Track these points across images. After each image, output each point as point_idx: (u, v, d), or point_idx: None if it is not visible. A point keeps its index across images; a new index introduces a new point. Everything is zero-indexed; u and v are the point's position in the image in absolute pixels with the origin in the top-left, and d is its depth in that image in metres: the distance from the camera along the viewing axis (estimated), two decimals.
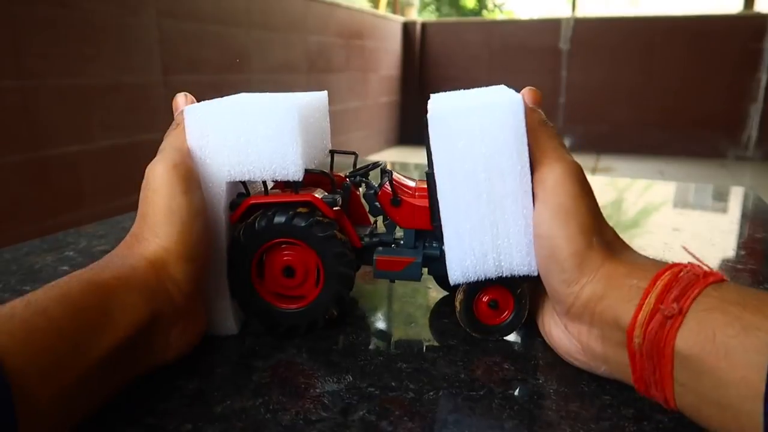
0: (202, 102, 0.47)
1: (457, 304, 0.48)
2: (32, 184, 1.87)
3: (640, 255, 0.42)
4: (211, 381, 0.42)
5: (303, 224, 0.46)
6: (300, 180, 0.47)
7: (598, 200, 0.43)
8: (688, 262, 0.37)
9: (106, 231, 0.79)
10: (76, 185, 2.02)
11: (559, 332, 0.43)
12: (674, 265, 0.37)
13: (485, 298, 0.48)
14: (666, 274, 0.36)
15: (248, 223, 0.47)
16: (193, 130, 0.46)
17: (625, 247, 0.43)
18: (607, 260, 0.40)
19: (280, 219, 0.46)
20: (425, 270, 0.51)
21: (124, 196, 2.08)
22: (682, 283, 0.35)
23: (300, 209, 0.47)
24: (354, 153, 0.58)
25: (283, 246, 0.48)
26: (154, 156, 0.45)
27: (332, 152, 0.56)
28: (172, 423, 0.37)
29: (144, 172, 0.45)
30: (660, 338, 0.33)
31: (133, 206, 0.48)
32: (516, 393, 0.41)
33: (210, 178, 0.46)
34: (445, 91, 0.55)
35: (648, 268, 0.38)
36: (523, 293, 0.48)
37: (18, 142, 1.81)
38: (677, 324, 0.33)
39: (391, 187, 0.49)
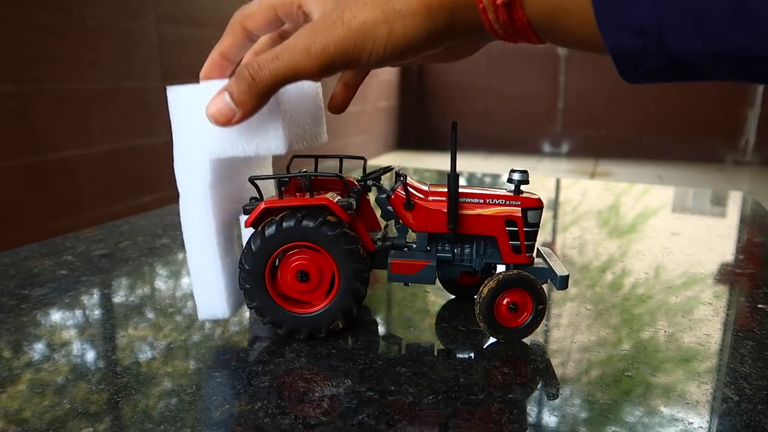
0: (185, 85, 0.47)
1: (485, 290, 0.48)
2: (31, 188, 1.87)
3: None
4: (209, 385, 0.42)
5: (330, 233, 0.47)
6: (282, 153, 0.46)
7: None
8: None
9: (104, 235, 0.79)
10: (75, 190, 2.01)
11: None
12: None
13: (505, 300, 0.48)
14: None
15: (276, 220, 0.47)
16: (177, 111, 0.46)
17: None
18: None
19: (308, 223, 0.47)
20: None
21: (123, 201, 2.07)
22: None
23: (329, 218, 0.47)
24: (363, 158, 0.58)
25: (303, 250, 0.49)
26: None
27: (341, 157, 0.57)
28: (171, 428, 0.37)
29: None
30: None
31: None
32: (515, 397, 0.41)
33: (194, 157, 0.46)
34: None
35: None
36: (543, 299, 0.48)
37: (17, 146, 1.81)
38: None
39: (405, 191, 0.49)
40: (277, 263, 0.49)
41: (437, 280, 0.52)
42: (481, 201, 0.50)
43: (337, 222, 0.47)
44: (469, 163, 4.35)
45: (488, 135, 5.10)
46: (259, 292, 0.48)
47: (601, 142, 5.04)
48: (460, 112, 5.05)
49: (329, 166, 0.57)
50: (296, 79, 0.39)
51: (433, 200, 0.50)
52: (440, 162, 4.13)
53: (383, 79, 4.92)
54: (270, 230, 0.47)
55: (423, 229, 0.50)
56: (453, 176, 0.47)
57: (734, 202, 1.16)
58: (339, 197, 0.49)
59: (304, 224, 0.46)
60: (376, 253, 0.51)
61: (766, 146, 4.66)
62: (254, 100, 0.39)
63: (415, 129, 5.24)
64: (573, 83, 5.03)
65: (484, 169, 4.18)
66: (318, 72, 0.38)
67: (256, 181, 0.49)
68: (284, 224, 0.47)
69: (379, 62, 0.38)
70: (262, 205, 0.47)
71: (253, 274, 0.48)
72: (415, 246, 0.51)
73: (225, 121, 0.40)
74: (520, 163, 4.38)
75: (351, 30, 0.36)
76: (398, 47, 0.36)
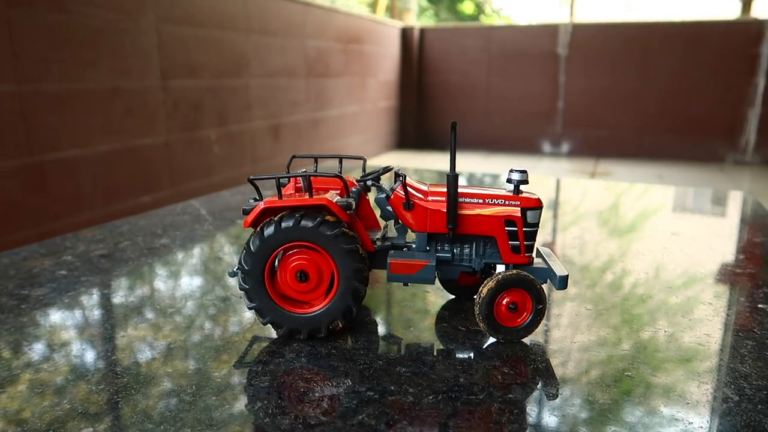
0: None
1: (484, 290, 0.48)
2: (30, 188, 1.86)
3: None
4: (209, 386, 0.42)
5: (329, 233, 0.47)
6: None
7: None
8: None
9: (104, 235, 0.79)
10: (75, 190, 2.01)
11: None
12: None
13: (505, 300, 0.48)
14: None
15: (274, 221, 0.47)
16: None
17: None
18: None
19: (306, 223, 0.47)
20: None
21: (123, 201, 2.07)
22: None
23: (328, 217, 0.47)
24: (362, 158, 0.58)
25: (302, 250, 0.49)
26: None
27: (340, 157, 0.57)
28: (171, 428, 0.37)
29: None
30: None
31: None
32: (515, 397, 0.41)
33: None
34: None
35: None
36: (542, 299, 0.48)
37: (16, 146, 1.81)
38: None
39: (404, 191, 0.49)
40: (276, 263, 0.49)
41: (437, 280, 0.52)
42: (481, 201, 0.50)
43: (336, 222, 0.47)
44: (469, 163, 4.35)
45: (488, 135, 5.09)
46: (258, 293, 0.48)
47: (601, 142, 5.04)
48: (460, 112, 5.05)
49: (329, 166, 0.57)
50: None
51: (433, 200, 0.50)
52: (440, 162, 4.13)
53: (383, 79, 4.92)
54: (269, 230, 0.47)
55: (422, 229, 0.50)
56: (452, 176, 0.47)
57: (734, 202, 1.16)
58: (338, 197, 0.49)
59: (302, 224, 0.46)
60: (376, 253, 0.51)
61: (766, 146, 4.66)
62: None
63: (415, 129, 5.24)
64: (573, 83, 5.03)
65: (484, 169, 4.18)
66: None
67: (255, 181, 0.49)
68: (283, 224, 0.47)
69: None
70: (261, 205, 0.47)
71: (252, 274, 0.48)
72: (414, 246, 0.51)
73: None
74: (520, 163, 4.38)
75: None
76: None
